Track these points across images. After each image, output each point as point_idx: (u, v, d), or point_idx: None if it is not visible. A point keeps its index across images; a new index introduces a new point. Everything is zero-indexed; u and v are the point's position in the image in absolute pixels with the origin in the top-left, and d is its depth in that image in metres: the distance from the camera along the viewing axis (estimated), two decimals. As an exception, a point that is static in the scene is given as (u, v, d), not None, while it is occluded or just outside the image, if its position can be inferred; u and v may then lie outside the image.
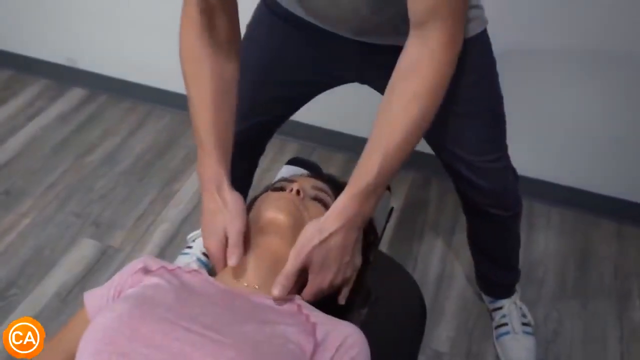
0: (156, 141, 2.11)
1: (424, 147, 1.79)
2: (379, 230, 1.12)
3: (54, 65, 2.34)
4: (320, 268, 0.80)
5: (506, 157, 1.21)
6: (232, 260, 0.79)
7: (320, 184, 0.92)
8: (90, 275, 1.63)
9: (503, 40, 1.15)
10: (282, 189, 0.89)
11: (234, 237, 0.80)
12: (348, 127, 2.06)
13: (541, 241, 1.81)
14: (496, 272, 1.50)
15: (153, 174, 1.97)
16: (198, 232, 1.63)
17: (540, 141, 1.83)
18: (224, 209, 0.84)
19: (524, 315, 1.51)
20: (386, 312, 1.11)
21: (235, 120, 0.96)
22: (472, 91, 1.07)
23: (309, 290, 0.81)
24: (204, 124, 0.89)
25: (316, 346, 0.69)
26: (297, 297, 0.79)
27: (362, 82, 1.16)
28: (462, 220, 1.84)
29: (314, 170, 1.10)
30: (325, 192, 0.90)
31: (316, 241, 0.78)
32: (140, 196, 1.89)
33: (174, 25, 2.29)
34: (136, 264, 0.80)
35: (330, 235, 0.79)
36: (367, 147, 0.82)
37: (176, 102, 2.22)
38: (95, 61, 2.28)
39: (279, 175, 1.15)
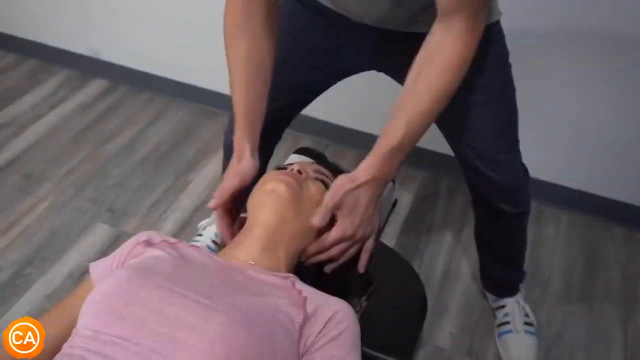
0: (173, 133, 2.16)
1: (434, 145, 1.83)
2: (381, 222, 1.14)
3: (78, 55, 2.40)
4: (350, 212, 0.87)
5: (518, 151, 1.23)
6: (210, 203, 0.88)
7: (322, 169, 0.95)
8: (103, 259, 1.67)
9: (512, 38, 1.16)
10: (284, 168, 0.93)
11: (221, 189, 0.89)
12: (361, 124, 2.08)
13: (549, 243, 1.81)
14: (501, 271, 1.51)
15: (168, 164, 2.02)
16: (208, 220, 1.67)
17: (550, 143, 1.83)
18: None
19: (526, 315, 1.52)
20: (386, 301, 1.13)
21: None
22: (487, 79, 1.08)
23: (335, 233, 0.87)
24: (237, 97, 0.98)
25: (306, 319, 0.72)
26: (291, 275, 0.82)
27: (379, 69, 1.19)
28: (470, 219, 1.85)
29: (320, 159, 1.13)
30: (327, 176, 0.93)
31: (349, 187, 0.86)
32: (155, 185, 1.93)
33: (194, 21, 2.35)
34: (140, 236, 0.84)
35: (360, 185, 0.87)
36: (392, 114, 0.90)
37: (194, 95, 2.28)
38: (118, 53, 2.34)
39: (286, 163, 1.18)
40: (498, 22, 1.09)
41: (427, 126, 0.91)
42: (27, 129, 2.13)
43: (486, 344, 1.54)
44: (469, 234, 1.81)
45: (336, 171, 0.98)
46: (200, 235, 1.65)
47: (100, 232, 1.76)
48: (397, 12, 1.00)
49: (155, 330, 0.66)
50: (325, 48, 1.17)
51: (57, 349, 0.73)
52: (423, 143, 0.99)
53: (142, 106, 2.28)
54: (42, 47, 2.45)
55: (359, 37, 1.10)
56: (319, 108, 1.51)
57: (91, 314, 0.69)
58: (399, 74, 0.98)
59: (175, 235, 1.76)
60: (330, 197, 0.87)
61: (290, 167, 0.92)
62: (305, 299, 0.75)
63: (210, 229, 1.64)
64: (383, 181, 0.90)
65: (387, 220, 1.18)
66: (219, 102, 2.24)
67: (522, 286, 1.55)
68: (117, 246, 1.67)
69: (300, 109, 1.34)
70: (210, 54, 2.17)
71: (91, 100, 2.30)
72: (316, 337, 0.72)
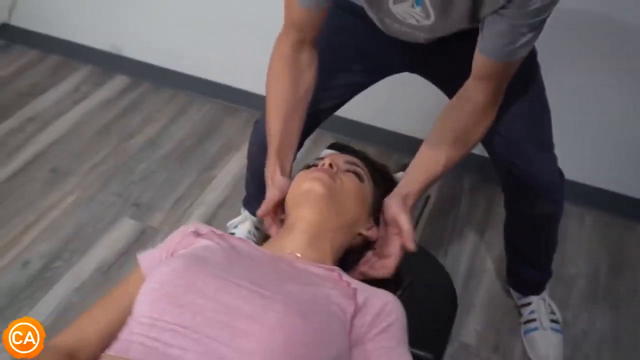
0: (195, 129, 2.17)
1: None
2: (414, 217, 1.14)
3: (100, 52, 2.42)
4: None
5: (553, 152, 1.25)
6: (259, 211, 0.94)
7: (352, 158, 0.97)
8: (130, 253, 1.69)
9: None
10: (314, 165, 0.95)
11: (266, 201, 0.94)
12: (382, 121, 2.09)
13: (574, 242, 1.81)
14: (528, 271, 1.51)
15: (192, 160, 2.03)
16: (239, 218, 1.68)
17: (574, 141, 1.82)
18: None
19: (552, 312, 1.52)
20: (418, 298, 1.14)
21: None
22: (522, 75, 1.08)
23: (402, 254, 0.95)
24: (274, 129, 1.04)
25: (356, 309, 0.73)
26: (337, 268, 0.83)
27: (412, 71, 1.22)
28: (493, 216, 1.86)
29: (348, 150, 1.14)
30: (357, 165, 0.95)
31: (406, 208, 0.95)
32: (179, 180, 1.95)
33: (216, 18, 2.35)
34: (187, 227, 0.85)
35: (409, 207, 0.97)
36: (430, 150, 1.02)
37: (216, 92, 2.29)
38: (139, 49, 2.36)
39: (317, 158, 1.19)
40: None
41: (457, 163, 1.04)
42: (51, 124, 2.14)
43: (512, 341, 1.55)
44: (492, 232, 1.82)
45: (364, 159, 1.01)
46: (233, 234, 1.65)
47: (126, 226, 1.78)
48: (432, 42, 1.05)
49: (214, 318, 0.67)
50: (363, 50, 1.19)
51: (110, 336, 0.74)
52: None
53: (164, 102, 2.29)
54: (64, 43, 2.46)
55: (395, 44, 1.11)
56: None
57: (148, 302, 0.70)
58: (432, 75, 1.10)
59: (200, 230, 1.78)
60: (407, 218, 0.94)
61: (321, 163, 0.93)
62: (355, 290, 0.76)
63: (242, 227, 1.65)
64: None
65: (420, 216, 1.18)
66: (239, 99, 2.25)
67: (547, 284, 1.56)
68: (143, 240, 1.73)
69: (336, 109, 1.35)
70: (231, 50, 2.20)
71: (114, 96, 2.31)
72: (367, 328, 0.73)
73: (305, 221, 0.86)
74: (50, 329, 1.48)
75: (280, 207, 0.95)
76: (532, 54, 1.14)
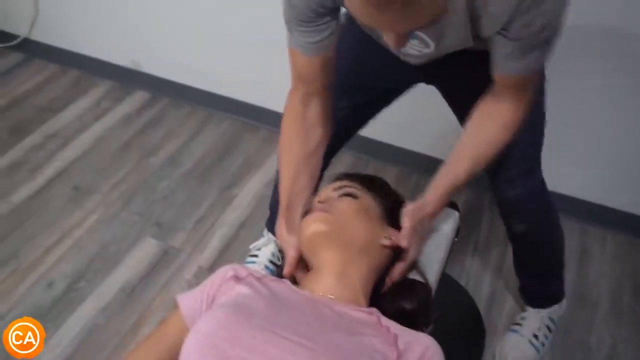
0: (215, 146, 2.18)
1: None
2: (446, 247, 1.15)
3: (119, 67, 2.44)
4: (420, 239, 1.01)
5: (534, 172, 1.26)
6: (284, 272, 0.96)
7: (339, 183, 1.00)
8: (154, 274, 1.70)
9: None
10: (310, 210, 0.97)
11: (287, 264, 0.97)
12: (402, 141, 2.09)
13: (595, 264, 1.80)
14: (524, 278, 1.54)
15: (212, 178, 2.04)
16: (262, 240, 1.68)
17: (593, 163, 1.83)
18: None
19: (539, 329, 1.53)
20: (446, 329, 1.14)
21: None
22: None
23: (412, 257, 0.97)
24: (283, 187, 1.07)
25: (399, 356, 0.73)
26: (375, 310, 0.83)
27: (428, 82, 1.23)
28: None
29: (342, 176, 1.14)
30: (346, 186, 0.99)
31: (420, 214, 0.99)
32: (200, 199, 1.95)
33: (235, 34, 2.36)
34: (227, 271, 0.85)
35: (427, 215, 1.01)
36: (454, 159, 1.04)
37: (235, 109, 2.30)
38: (159, 65, 2.37)
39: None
40: None
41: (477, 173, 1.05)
42: (73, 140, 2.16)
43: (536, 366, 1.54)
44: (512, 254, 1.81)
45: (349, 177, 1.04)
46: (256, 256, 1.66)
47: (149, 246, 1.78)
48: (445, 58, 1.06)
49: None
50: (381, 66, 1.19)
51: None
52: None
53: (183, 119, 2.31)
54: (84, 58, 2.48)
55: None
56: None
57: (195, 354, 0.70)
58: (446, 88, 1.16)
59: (222, 251, 1.79)
60: (409, 219, 0.96)
61: (313, 204, 0.98)
62: (395, 336, 0.76)
63: (265, 250, 1.65)
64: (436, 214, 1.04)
65: (452, 246, 1.18)
66: (259, 116, 2.26)
67: (559, 306, 1.55)
68: (166, 261, 1.74)
69: (360, 128, 1.37)
70: (250, 67, 2.21)
71: (134, 112, 2.33)
72: None
73: (327, 261, 0.88)
74: (78, 351, 1.50)
75: (302, 262, 0.97)
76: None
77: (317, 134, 1.09)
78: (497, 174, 1.23)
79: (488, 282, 1.75)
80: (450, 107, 1.25)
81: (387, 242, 0.93)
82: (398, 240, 0.95)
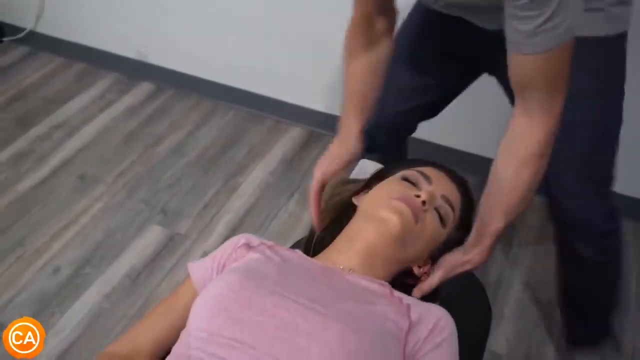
0: (220, 136, 2.18)
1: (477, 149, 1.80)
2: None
3: (125, 59, 2.44)
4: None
5: (604, 184, 1.10)
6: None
7: (452, 195, 0.88)
8: (159, 260, 1.70)
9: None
10: (413, 184, 0.87)
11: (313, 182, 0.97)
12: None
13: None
14: (570, 315, 1.38)
15: (217, 167, 2.04)
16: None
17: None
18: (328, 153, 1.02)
19: None
20: (454, 310, 1.14)
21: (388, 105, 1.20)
22: (582, 99, 0.97)
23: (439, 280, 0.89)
24: (349, 93, 1.07)
25: (411, 326, 0.73)
26: (386, 283, 0.82)
27: (491, 72, 1.18)
28: (521, 227, 1.85)
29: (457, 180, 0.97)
30: (451, 206, 0.87)
31: (460, 269, 0.91)
32: (205, 187, 1.95)
33: (240, 25, 2.35)
34: (238, 239, 0.85)
35: (470, 264, 0.91)
36: (489, 204, 0.91)
37: (240, 99, 2.30)
38: (164, 56, 2.37)
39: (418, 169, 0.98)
40: (620, 36, 0.96)
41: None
42: (78, 131, 2.17)
43: (543, 350, 1.53)
44: (519, 241, 1.81)
45: (466, 201, 0.91)
46: None
47: (154, 233, 1.79)
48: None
49: (273, 335, 0.67)
50: (445, 52, 1.18)
51: (163, 346, 0.75)
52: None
53: (188, 109, 2.31)
54: (89, 50, 2.49)
55: (476, 40, 1.08)
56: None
57: (205, 316, 0.69)
58: (504, 79, 0.95)
59: (228, 237, 1.77)
60: (439, 276, 0.88)
61: (417, 192, 0.84)
62: (408, 306, 0.75)
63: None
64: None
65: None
66: (263, 106, 2.26)
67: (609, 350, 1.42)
68: (171, 247, 1.74)
69: (432, 113, 1.34)
70: (255, 57, 2.21)
71: (139, 103, 2.33)
72: (421, 344, 0.73)
73: (365, 242, 0.82)
74: (83, 335, 1.50)
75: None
76: (617, 76, 1.00)
77: (381, 48, 1.07)
78: (556, 180, 1.07)
79: (495, 267, 1.74)
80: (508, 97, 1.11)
81: (416, 271, 0.88)
82: (424, 282, 0.89)
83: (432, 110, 1.33)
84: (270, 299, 0.70)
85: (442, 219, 0.85)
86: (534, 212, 1.87)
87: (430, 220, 0.84)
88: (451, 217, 0.87)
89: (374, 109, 1.09)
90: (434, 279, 0.88)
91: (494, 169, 0.91)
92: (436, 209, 0.85)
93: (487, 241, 0.90)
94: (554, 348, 1.53)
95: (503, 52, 0.86)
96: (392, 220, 0.80)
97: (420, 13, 1.21)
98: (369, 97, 1.08)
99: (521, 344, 1.55)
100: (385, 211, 0.81)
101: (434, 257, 0.89)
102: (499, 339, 1.55)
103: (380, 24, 1.06)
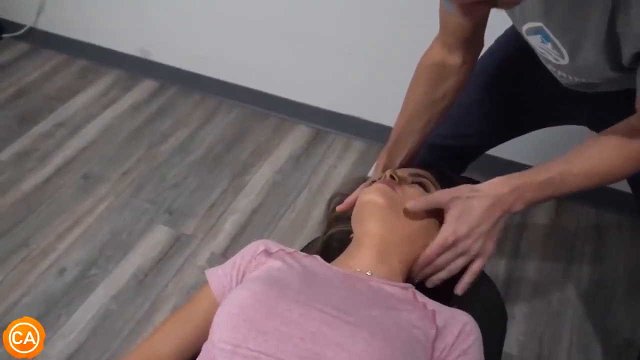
0: (225, 134, 2.16)
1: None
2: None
3: (128, 56, 2.41)
4: (456, 218, 0.82)
5: None
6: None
7: (420, 171, 0.93)
8: (166, 260, 1.68)
9: None
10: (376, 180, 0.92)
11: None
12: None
13: (612, 249, 1.78)
14: None
15: (223, 165, 2.02)
16: None
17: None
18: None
19: None
20: (470, 310, 1.12)
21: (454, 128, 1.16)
22: None
23: (438, 238, 0.82)
24: (396, 124, 1.06)
25: (437, 332, 0.71)
26: (410, 285, 0.81)
27: (591, 127, 1.11)
28: (529, 223, 1.84)
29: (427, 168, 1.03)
30: (425, 177, 0.91)
31: (464, 193, 0.82)
32: (212, 186, 1.93)
33: (244, 22, 2.32)
34: (258, 245, 0.83)
35: (479, 196, 0.81)
36: (556, 159, 0.84)
37: (244, 97, 2.28)
38: (168, 54, 2.35)
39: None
40: None
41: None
42: (81, 129, 2.14)
43: (555, 351, 1.52)
44: (528, 239, 1.80)
45: (438, 171, 0.95)
46: None
47: (160, 233, 1.77)
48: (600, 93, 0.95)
49: (300, 346, 0.65)
50: (534, 90, 1.12)
51: (182, 354, 0.73)
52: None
53: (192, 107, 2.29)
54: (91, 47, 2.46)
55: (571, 94, 1.02)
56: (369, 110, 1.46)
57: (229, 327, 0.67)
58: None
59: (235, 237, 1.77)
60: (438, 192, 0.85)
61: (382, 176, 0.90)
62: (433, 312, 0.74)
63: None
64: (507, 205, 0.81)
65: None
66: (268, 104, 2.24)
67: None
68: (178, 247, 1.72)
69: (491, 146, 1.29)
70: (260, 55, 2.18)
71: (142, 101, 2.31)
72: (448, 351, 0.72)
73: (370, 235, 0.83)
74: (91, 338, 1.48)
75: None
76: None
77: (449, 84, 1.03)
78: None
79: (504, 267, 1.73)
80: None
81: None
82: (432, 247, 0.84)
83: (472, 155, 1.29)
84: (295, 309, 0.68)
85: (422, 185, 0.89)
86: (544, 212, 1.86)
87: (413, 192, 0.87)
88: (429, 183, 0.90)
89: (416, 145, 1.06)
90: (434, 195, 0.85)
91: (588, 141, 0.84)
92: (413, 183, 0.89)
93: (511, 181, 0.82)
94: (566, 348, 1.52)
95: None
96: (374, 197, 0.84)
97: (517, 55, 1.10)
98: (415, 132, 1.04)
99: (533, 345, 1.53)
100: (366, 196, 0.85)
101: None
102: (510, 339, 1.54)
103: (459, 56, 1.02)
